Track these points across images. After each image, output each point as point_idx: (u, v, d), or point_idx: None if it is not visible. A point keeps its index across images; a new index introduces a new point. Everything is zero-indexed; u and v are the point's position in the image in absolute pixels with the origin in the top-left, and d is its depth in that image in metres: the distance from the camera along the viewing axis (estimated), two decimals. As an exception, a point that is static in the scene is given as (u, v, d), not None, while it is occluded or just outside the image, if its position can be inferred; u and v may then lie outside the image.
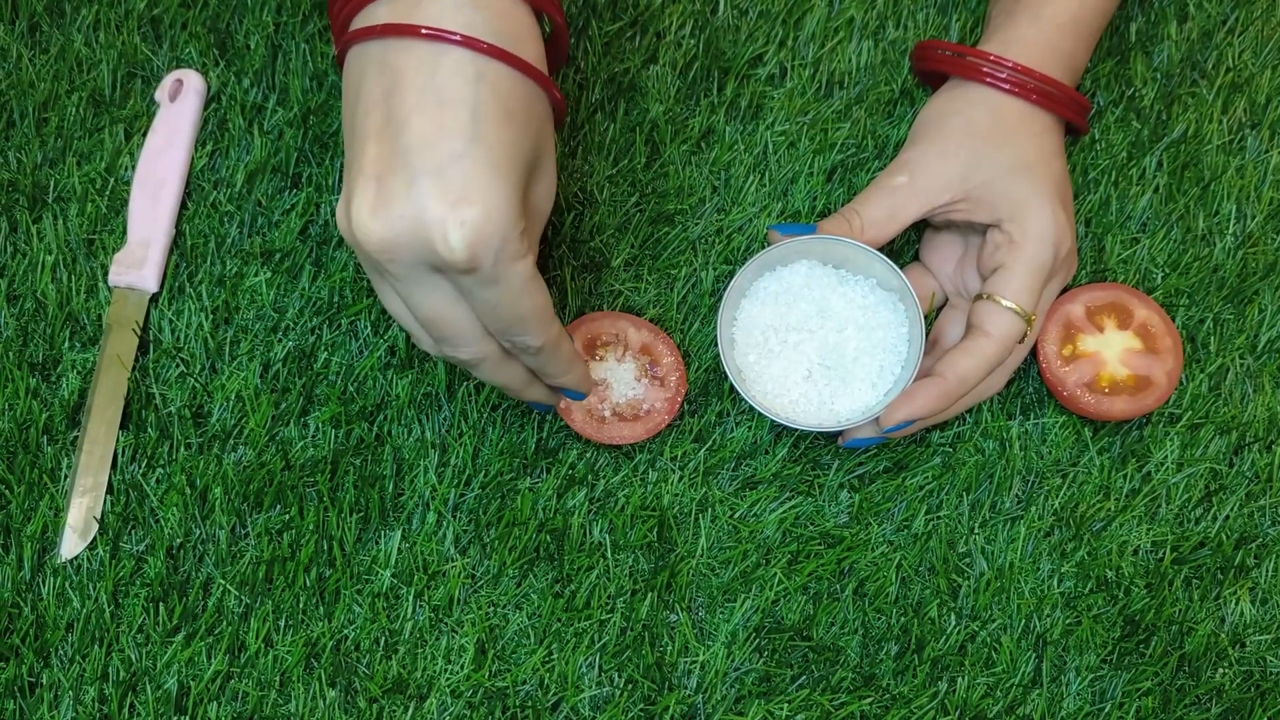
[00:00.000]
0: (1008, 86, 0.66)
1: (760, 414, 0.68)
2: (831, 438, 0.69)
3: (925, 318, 0.69)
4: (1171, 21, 0.77)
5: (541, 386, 0.62)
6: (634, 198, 0.73)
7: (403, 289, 0.54)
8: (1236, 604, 0.66)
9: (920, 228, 0.73)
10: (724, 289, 0.68)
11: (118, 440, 0.68)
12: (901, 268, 0.69)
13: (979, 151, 0.65)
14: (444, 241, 0.51)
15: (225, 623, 0.65)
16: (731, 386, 0.69)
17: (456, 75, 0.52)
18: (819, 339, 0.66)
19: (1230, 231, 0.73)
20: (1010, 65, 0.66)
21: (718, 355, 0.69)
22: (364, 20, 0.54)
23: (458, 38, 0.52)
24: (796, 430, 0.69)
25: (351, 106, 0.54)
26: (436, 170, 0.51)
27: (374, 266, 0.55)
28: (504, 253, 0.52)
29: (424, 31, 0.52)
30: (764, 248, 0.68)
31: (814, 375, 0.66)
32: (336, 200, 0.73)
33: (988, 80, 0.66)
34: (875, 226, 0.66)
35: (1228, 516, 0.68)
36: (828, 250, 0.66)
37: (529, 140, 0.54)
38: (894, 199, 0.66)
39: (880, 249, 0.66)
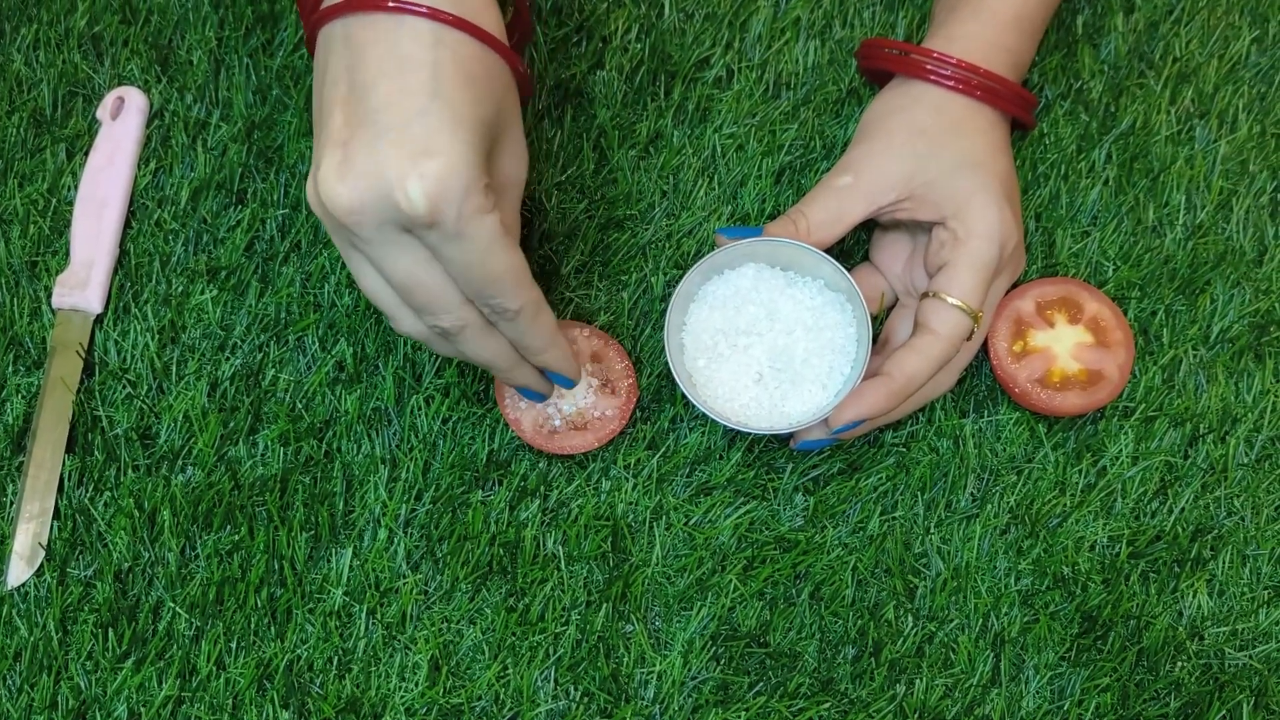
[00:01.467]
0: (951, 84, 0.66)
1: (712, 419, 0.68)
2: (785, 440, 0.69)
3: (874, 318, 0.69)
4: (1118, 13, 0.77)
5: (529, 369, 0.61)
6: (583, 204, 0.73)
7: (375, 254, 0.55)
8: (1194, 596, 0.66)
9: (870, 227, 0.72)
10: (671, 294, 0.68)
11: (64, 464, 0.67)
12: (851, 268, 0.68)
13: (923, 150, 0.65)
14: (405, 195, 0.51)
15: (176, 647, 0.65)
16: (683, 392, 0.69)
17: (415, 41, 0.53)
18: (768, 341, 0.65)
19: (1180, 222, 0.73)
20: (954, 62, 0.66)
21: (663, 342, 0.69)
22: (329, 0, 0.56)
23: (420, 8, 0.53)
24: (750, 435, 0.68)
25: (319, 84, 0.56)
26: (398, 128, 0.52)
27: (345, 237, 0.55)
28: (466, 205, 0.52)
29: (388, 5, 0.54)
30: (711, 251, 0.67)
31: (764, 378, 0.65)
32: (283, 214, 0.72)
33: (931, 78, 0.66)
34: (822, 228, 0.65)
35: (1183, 509, 0.68)
36: (774, 252, 0.66)
37: (490, 104, 0.55)
38: (840, 200, 0.65)
39: (828, 250, 0.66)
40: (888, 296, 0.69)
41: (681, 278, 0.65)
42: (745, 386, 0.65)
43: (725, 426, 0.68)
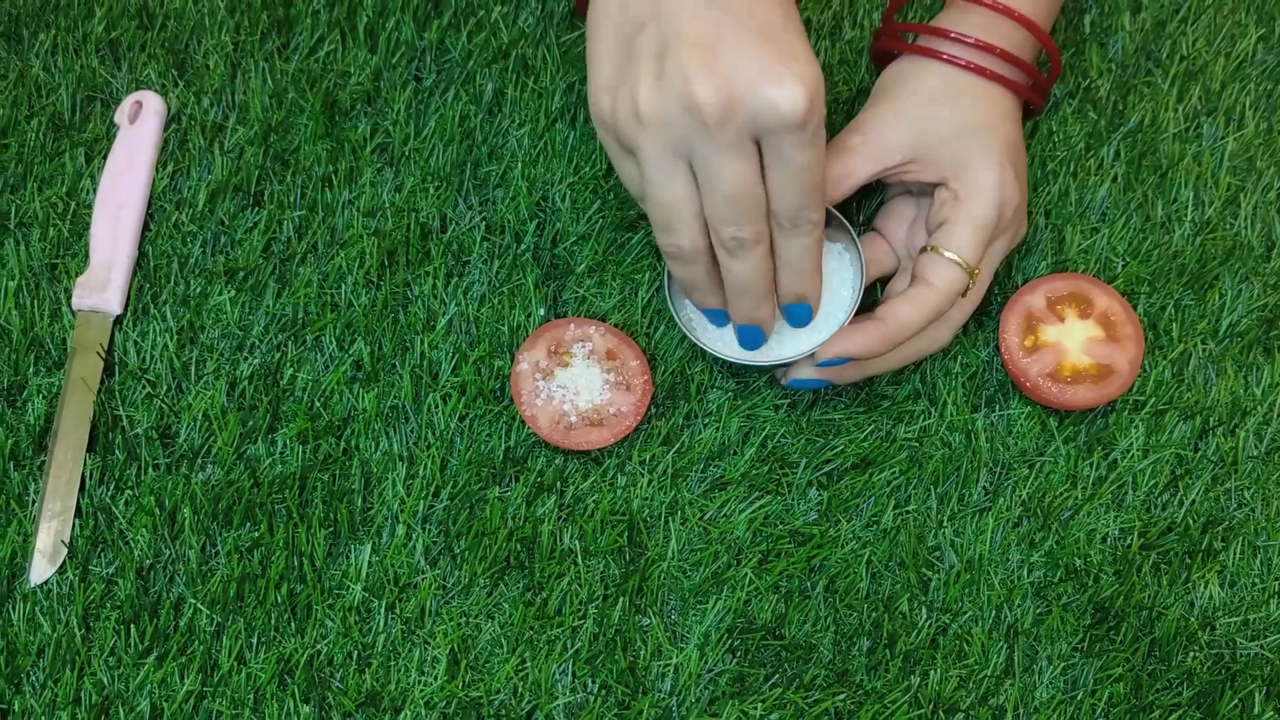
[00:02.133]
0: (964, 62, 0.67)
1: (727, 412, 0.69)
2: (801, 417, 0.69)
3: (878, 282, 0.70)
4: (1125, 12, 0.78)
5: (774, 301, 0.63)
6: (596, 204, 0.73)
7: (715, 160, 0.56)
8: (1205, 587, 0.67)
9: (879, 200, 0.73)
10: None
11: (85, 463, 0.68)
12: (857, 235, 0.70)
13: (929, 114, 0.66)
14: (787, 93, 0.54)
15: (197, 642, 0.65)
16: (700, 378, 0.70)
17: None
18: None
19: (1189, 218, 0.73)
20: (971, 42, 0.66)
21: (678, 337, 0.70)
22: None
23: None
24: (759, 406, 0.69)
25: (617, 18, 0.58)
26: (770, 36, 0.55)
27: (682, 141, 0.56)
28: (822, 114, 0.55)
29: None
30: None
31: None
32: (299, 216, 0.73)
33: (945, 58, 0.67)
34: (829, 185, 0.66)
35: (1194, 501, 0.68)
36: None
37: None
38: (847, 159, 0.67)
39: (835, 208, 0.67)
40: (890, 262, 0.70)
41: None
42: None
43: (739, 421, 0.69)
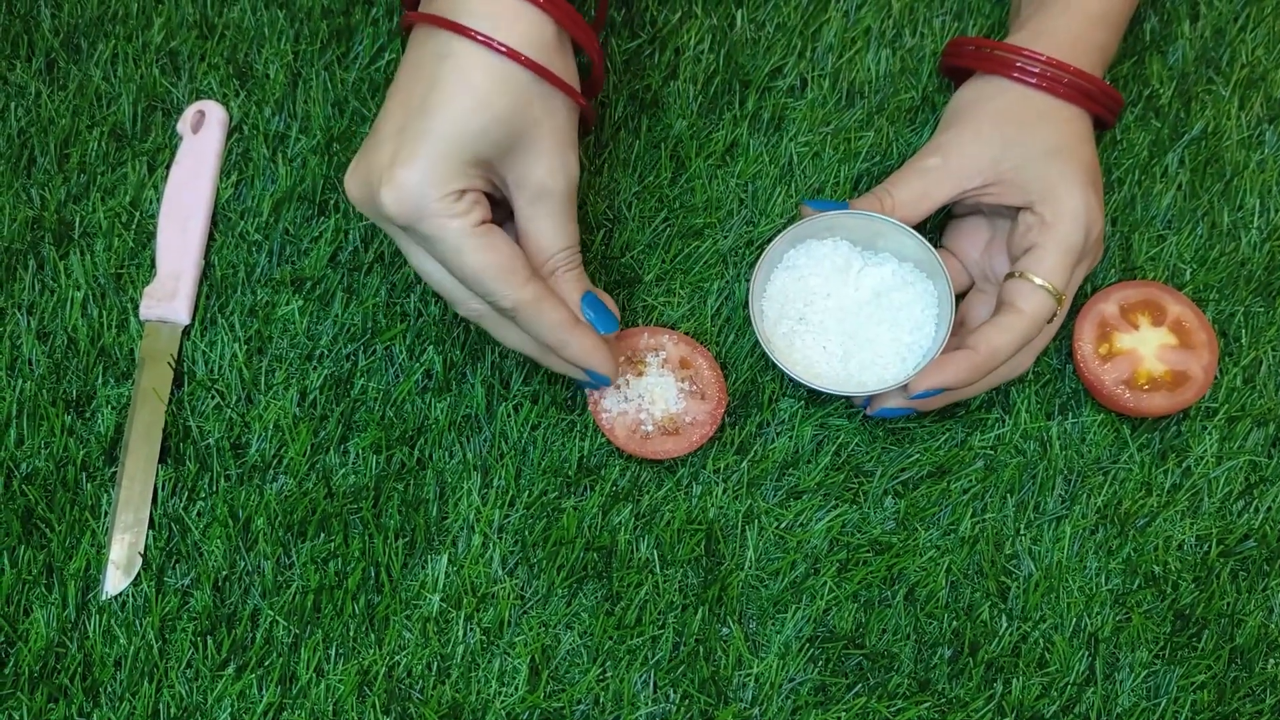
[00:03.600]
0: (1035, 81, 0.67)
1: (800, 421, 0.69)
2: (875, 425, 0.69)
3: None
4: (1184, 20, 0.78)
5: (557, 358, 0.63)
6: (662, 213, 0.73)
7: (399, 246, 0.61)
8: (1284, 594, 0.67)
9: (943, 218, 0.73)
10: (755, 262, 0.69)
11: (157, 474, 0.67)
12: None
13: (1011, 136, 0.66)
14: (378, 198, 0.57)
15: (275, 654, 0.65)
16: (772, 386, 0.69)
17: (429, 53, 0.59)
18: (849, 312, 0.67)
19: (1255, 226, 0.74)
20: (1044, 59, 0.66)
21: (749, 345, 0.70)
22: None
23: (444, 22, 0.58)
24: (832, 415, 0.69)
25: None
26: (388, 137, 0.58)
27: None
28: (428, 210, 0.57)
29: (420, 18, 0.60)
30: (797, 221, 0.68)
31: (843, 347, 0.66)
32: (365, 226, 0.73)
33: (1015, 75, 0.67)
34: (907, 206, 0.66)
35: (1270, 508, 0.68)
36: (859, 226, 0.67)
37: (489, 115, 0.58)
38: (926, 180, 0.66)
39: (916, 229, 0.67)
40: (964, 281, 0.70)
41: (767, 244, 0.67)
42: (823, 354, 0.66)
43: (813, 431, 0.68)
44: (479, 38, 0.57)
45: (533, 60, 0.58)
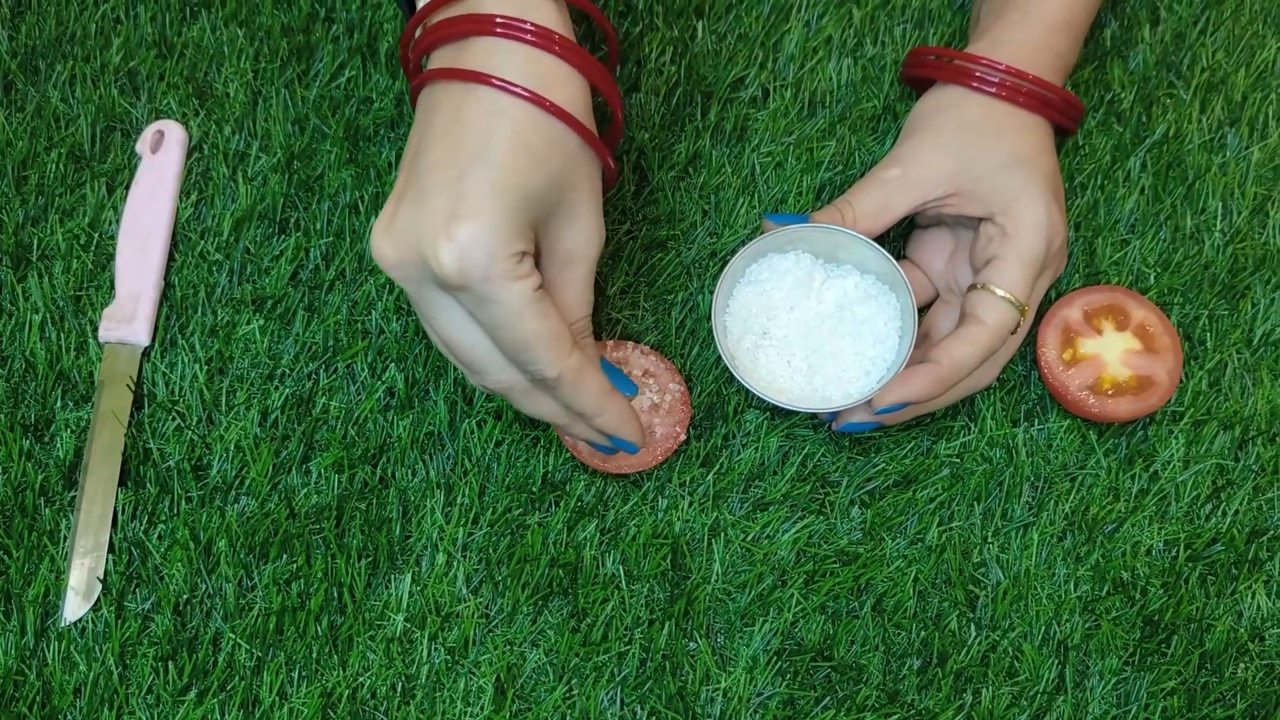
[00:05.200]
0: (994, 90, 0.67)
1: (766, 432, 0.68)
2: (840, 437, 0.69)
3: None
4: (1144, 25, 0.78)
5: (587, 425, 0.61)
6: (625, 225, 0.73)
7: (423, 310, 0.57)
8: (1252, 598, 0.67)
9: (906, 228, 0.73)
10: (718, 275, 0.68)
11: (117, 498, 0.67)
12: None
13: (972, 146, 0.66)
14: (435, 255, 0.53)
15: (237, 678, 0.64)
16: (737, 398, 0.69)
17: (477, 108, 0.55)
18: (812, 326, 0.66)
19: (1218, 228, 0.74)
20: (1003, 68, 0.66)
21: (714, 358, 0.69)
22: (426, 65, 0.59)
23: (489, 79, 0.55)
24: (797, 426, 0.68)
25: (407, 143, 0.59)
26: (439, 189, 0.54)
27: (406, 292, 0.57)
28: (493, 270, 0.53)
29: (462, 74, 0.56)
30: (758, 236, 0.68)
31: (807, 362, 0.66)
32: (326, 243, 0.72)
33: (974, 85, 0.67)
34: (868, 218, 0.66)
35: (1237, 511, 0.68)
36: (820, 239, 0.67)
37: (544, 174, 0.55)
38: (887, 191, 0.66)
39: (876, 241, 0.66)
40: (928, 292, 0.70)
41: (729, 259, 0.66)
42: (788, 369, 0.66)
43: (779, 442, 0.68)
44: (538, 99, 0.55)
45: (580, 122, 0.57)
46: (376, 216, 0.57)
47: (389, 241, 0.55)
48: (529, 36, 0.56)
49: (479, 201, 0.53)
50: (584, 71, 0.58)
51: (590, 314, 0.61)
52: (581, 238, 0.59)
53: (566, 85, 0.57)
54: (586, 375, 0.57)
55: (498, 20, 0.56)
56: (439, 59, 0.58)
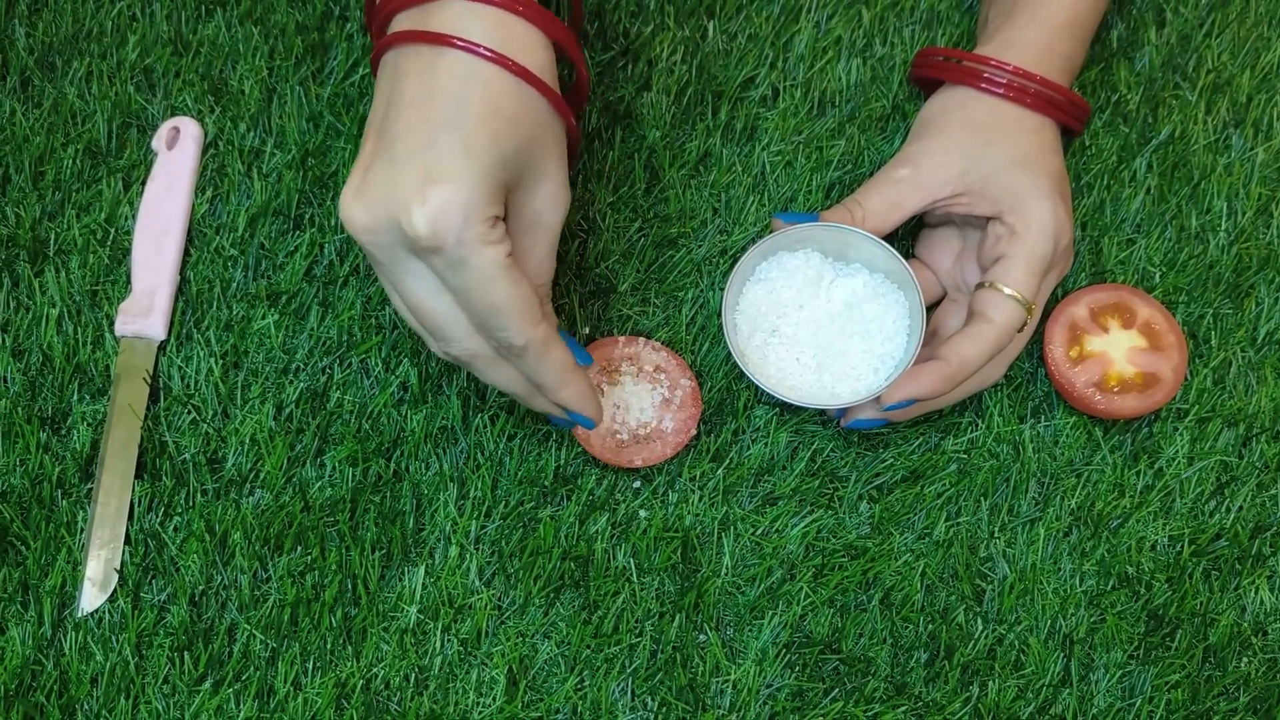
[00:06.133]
0: (1001, 91, 0.67)
1: (775, 427, 0.69)
2: (849, 432, 0.69)
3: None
4: (1150, 27, 0.79)
5: (546, 399, 0.61)
6: (636, 223, 0.74)
7: (391, 277, 0.57)
8: (1256, 593, 0.67)
9: (914, 228, 0.74)
10: (728, 273, 0.70)
11: (133, 490, 0.67)
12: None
13: (979, 146, 0.67)
14: (408, 218, 0.53)
15: (252, 668, 0.65)
16: (747, 394, 0.70)
17: (448, 72, 0.55)
18: (821, 324, 0.67)
19: (1223, 228, 0.74)
20: (1010, 69, 0.67)
21: (723, 354, 0.70)
22: (388, 31, 0.59)
23: (457, 42, 0.55)
24: (806, 421, 0.69)
25: (370, 109, 0.59)
26: (412, 153, 0.54)
27: (369, 256, 0.57)
28: (467, 234, 0.53)
29: (430, 37, 0.56)
30: (769, 234, 0.68)
31: (816, 359, 0.67)
32: (341, 239, 0.73)
33: (983, 86, 0.68)
34: (877, 217, 0.67)
35: (1241, 507, 0.69)
36: (830, 237, 0.67)
37: (516, 139, 0.56)
38: (896, 191, 0.67)
39: (885, 240, 0.67)
40: (935, 291, 0.71)
41: (739, 257, 0.67)
42: (797, 366, 0.67)
43: (788, 437, 0.69)
44: (506, 61, 0.56)
45: (547, 85, 0.57)
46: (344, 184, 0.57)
47: (360, 206, 0.55)
48: None
49: (453, 165, 0.54)
50: (549, 32, 0.58)
51: (551, 280, 0.62)
52: (549, 203, 0.60)
53: (534, 48, 0.57)
54: (552, 346, 0.58)
55: None
56: (402, 23, 0.58)
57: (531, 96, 0.57)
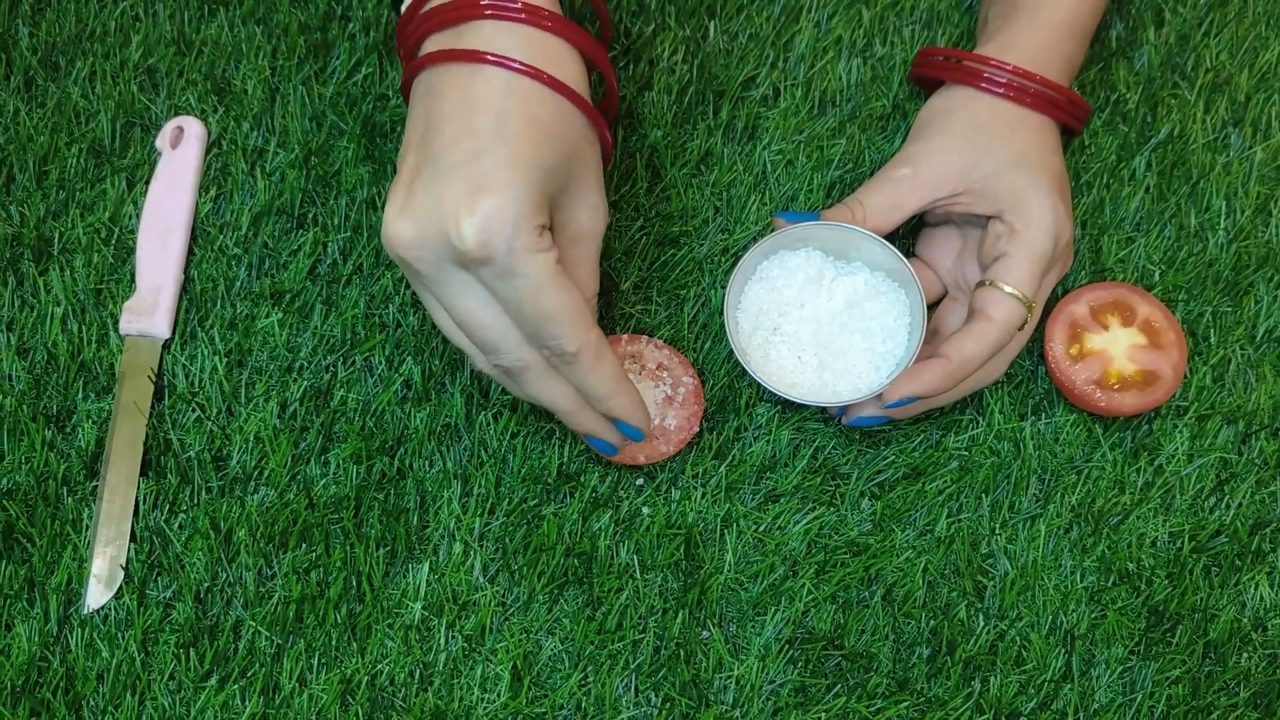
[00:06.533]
0: (1001, 91, 0.68)
1: (777, 425, 0.69)
2: (850, 430, 0.70)
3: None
4: (1149, 26, 0.79)
5: (595, 415, 0.61)
6: (638, 222, 0.74)
7: (438, 291, 0.57)
8: (1256, 589, 0.68)
9: (915, 227, 0.74)
10: (730, 271, 0.70)
11: (138, 488, 0.68)
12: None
13: (979, 146, 0.67)
14: (457, 230, 0.54)
15: (258, 664, 0.65)
16: (749, 392, 0.70)
17: (486, 88, 0.56)
18: (822, 322, 0.67)
19: (1222, 227, 0.75)
20: (1011, 69, 0.67)
21: (726, 352, 0.71)
22: (419, 54, 0.60)
23: (491, 58, 0.56)
24: (808, 419, 0.70)
25: (405, 130, 0.59)
26: (457, 166, 0.55)
27: (412, 273, 0.57)
28: (517, 243, 0.54)
29: (465, 55, 0.57)
30: (770, 233, 0.69)
31: (817, 357, 0.67)
32: (344, 238, 0.73)
33: (983, 86, 0.68)
34: (878, 216, 0.67)
35: (1241, 504, 0.69)
36: (831, 236, 0.68)
37: (556, 152, 0.57)
38: (897, 190, 0.67)
39: (886, 238, 0.68)
40: (936, 290, 0.71)
41: (740, 256, 0.67)
42: (798, 364, 0.67)
43: (790, 435, 0.69)
44: (541, 75, 0.56)
45: (581, 97, 0.58)
46: (385, 206, 0.58)
47: (405, 222, 0.55)
48: (519, 14, 0.57)
49: (500, 176, 0.54)
50: (577, 44, 0.59)
51: (597, 295, 0.63)
52: (589, 214, 0.61)
53: (565, 61, 0.58)
54: (604, 353, 0.58)
55: (484, 3, 0.57)
56: (434, 44, 0.59)
57: (567, 109, 0.58)
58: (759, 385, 0.70)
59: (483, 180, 0.54)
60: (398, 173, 0.58)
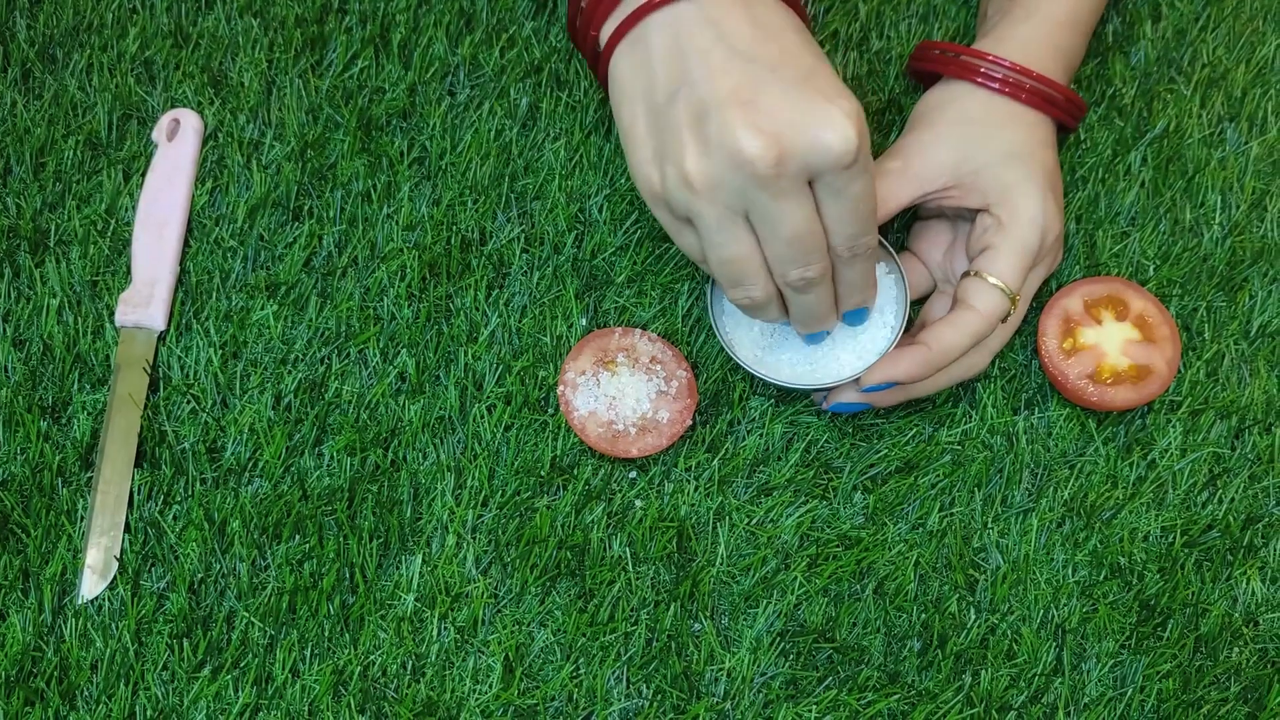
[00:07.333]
0: (997, 86, 0.68)
1: (770, 419, 0.69)
2: (843, 424, 0.70)
3: (913, 303, 0.70)
4: (1146, 21, 0.79)
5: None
6: (633, 215, 0.74)
7: (774, 210, 0.56)
8: (1247, 584, 0.68)
9: (907, 220, 0.74)
10: None
11: (133, 479, 0.68)
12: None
13: (972, 140, 0.67)
14: (836, 131, 0.54)
15: (251, 655, 0.65)
16: (742, 385, 0.70)
17: (767, 8, 0.59)
18: None
19: (1217, 222, 0.75)
20: (1007, 65, 0.67)
21: (719, 345, 0.71)
22: (608, 28, 0.61)
23: None
24: (801, 412, 0.70)
25: (644, 92, 0.59)
26: (804, 78, 0.56)
27: (737, 198, 0.57)
28: (868, 143, 0.57)
29: (649, 5, 0.58)
30: None
31: (801, 344, 0.67)
32: (339, 231, 0.73)
33: (979, 80, 0.68)
34: None
35: (1233, 499, 0.69)
36: None
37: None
38: (888, 183, 0.67)
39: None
40: (926, 284, 0.71)
41: None
42: (783, 352, 0.67)
43: (782, 428, 0.69)
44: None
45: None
46: (650, 158, 0.60)
47: (765, 136, 0.54)
48: None
49: (841, 86, 0.57)
50: None
51: None
52: None
53: None
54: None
55: None
56: (617, 17, 0.60)
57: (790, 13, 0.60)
58: (753, 377, 0.70)
59: (834, 88, 0.56)
60: (698, 105, 0.56)
